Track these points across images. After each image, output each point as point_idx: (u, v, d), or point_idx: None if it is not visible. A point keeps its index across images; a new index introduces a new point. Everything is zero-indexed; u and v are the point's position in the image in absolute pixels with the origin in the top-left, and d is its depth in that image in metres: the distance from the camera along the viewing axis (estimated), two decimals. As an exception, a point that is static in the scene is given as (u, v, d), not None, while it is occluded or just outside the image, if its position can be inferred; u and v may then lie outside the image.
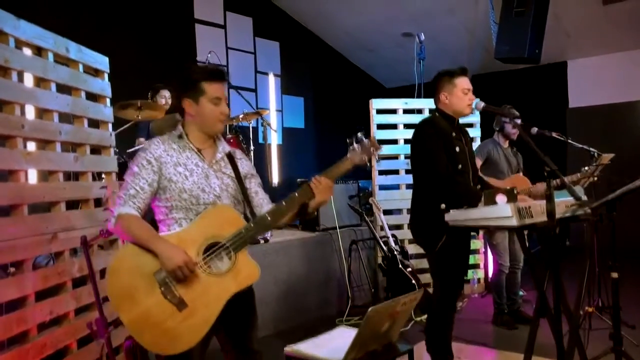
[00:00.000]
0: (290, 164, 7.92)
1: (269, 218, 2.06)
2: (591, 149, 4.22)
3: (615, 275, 2.46)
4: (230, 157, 2.20)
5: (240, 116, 5.07)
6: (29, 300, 2.33)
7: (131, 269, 1.91)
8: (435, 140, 2.83)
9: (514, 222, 2.08)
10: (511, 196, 2.19)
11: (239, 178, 2.17)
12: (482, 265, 5.47)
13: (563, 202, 2.48)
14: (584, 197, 2.89)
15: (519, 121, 2.98)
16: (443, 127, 2.88)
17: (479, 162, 4.22)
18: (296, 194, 2.10)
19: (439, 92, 2.97)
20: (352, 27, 8.59)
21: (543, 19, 6.04)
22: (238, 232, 2.00)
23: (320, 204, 2.16)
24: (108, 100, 3.15)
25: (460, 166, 2.81)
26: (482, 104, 2.81)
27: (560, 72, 8.45)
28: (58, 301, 2.52)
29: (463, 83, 2.91)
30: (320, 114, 9.12)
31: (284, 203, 2.09)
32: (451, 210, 2.37)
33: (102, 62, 3.10)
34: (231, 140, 4.83)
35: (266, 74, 7.94)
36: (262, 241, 4.15)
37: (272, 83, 6.27)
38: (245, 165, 2.25)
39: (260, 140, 6.13)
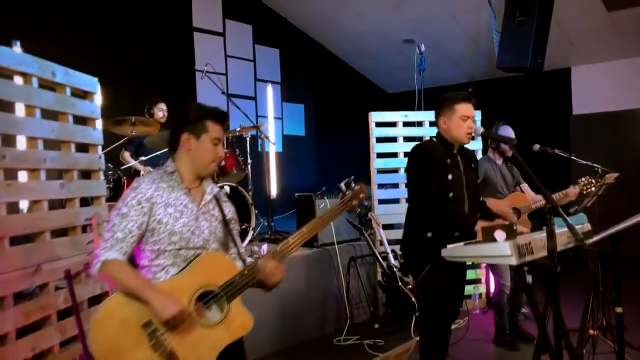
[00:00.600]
0: (291, 173, 7.85)
1: None
2: (595, 165, 4.11)
3: (619, 310, 2.37)
4: (218, 199, 2.12)
5: (237, 130, 4.98)
6: (10, 337, 2.25)
7: (117, 321, 1.80)
8: (425, 166, 2.75)
9: (513, 261, 1.99)
10: (510, 232, 2.10)
11: (225, 221, 2.10)
12: (483, 280, 5.37)
13: (564, 232, 2.38)
14: (587, 224, 2.81)
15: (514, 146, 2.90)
16: (437, 152, 2.79)
17: None
18: (245, 273, 1.98)
19: (439, 117, 2.88)
20: (354, 33, 8.51)
21: (546, 27, 5.93)
22: (231, 280, 1.93)
23: (272, 286, 2.05)
24: (98, 123, 3.07)
25: (451, 194, 2.73)
26: (481, 130, 2.72)
27: (564, 78, 8.35)
28: (41, 336, 2.44)
29: (463, 110, 2.82)
30: (321, 120, 9.05)
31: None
32: (448, 246, 2.28)
33: (90, 83, 3.02)
34: (227, 155, 4.75)
35: (266, 82, 7.88)
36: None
37: (270, 93, 6.18)
38: (230, 210, 2.17)
39: (259, 149, 6.07)
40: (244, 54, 7.93)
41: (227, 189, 4.58)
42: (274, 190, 5.71)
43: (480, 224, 2.58)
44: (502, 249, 2.00)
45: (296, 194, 4.95)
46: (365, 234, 4.80)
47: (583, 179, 3.87)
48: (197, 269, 1.93)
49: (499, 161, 4.29)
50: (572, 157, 4.13)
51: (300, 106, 8.75)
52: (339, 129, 9.04)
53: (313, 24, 8.58)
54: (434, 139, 2.91)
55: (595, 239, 2.21)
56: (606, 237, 2.27)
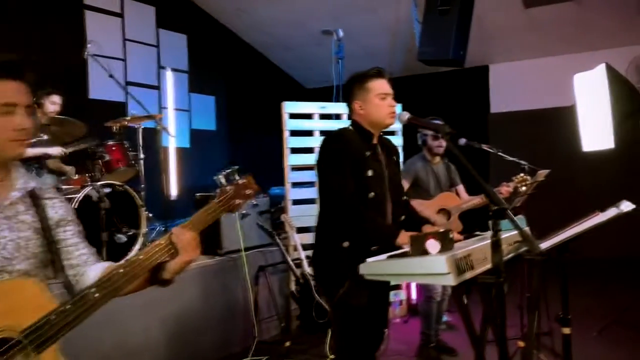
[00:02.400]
0: (199, 170, 7.15)
1: (95, 294, 1.32)
2: (522, 161, 3.84)
3: (567, 331, 1.98)
4: (35, 198, 1.45)
5: (127, 119, 4.26)
6: None
7: None
8: (339, 160, 2.24)
9: (450, 280, 1.52)
10: (446, 241, 1.63)
11: (46, 228, 1.43)
12: (404, 286, 5.00)
13: (505, 239, 1.96)
14: (526, 228, 2.43)
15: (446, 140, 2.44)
16: (354, 143, 2.28)
17: (406, 184, 3.71)
18: (142, 257, 1.40)
19: (352, 101, 2.39)
20: (269, 22, 7.95)
21: (468, 18, 5.69)
22: (43, 320, 1.26)
23: (184, 266, 1.46)
24: None
25: (372, 194, 2.23)
26: (407, 115, 2.24)
27: (482, 76, 8.26)
28: None
29: (378, 86, 2.34)
30: (234, 114, 8.39)
31: (121, 270, 1.36)
32: (368, 260, 1.78)
33: None
34: (113, 148, 4.04)
35: (171, 69, 7.14)
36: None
37: (170, 79, 5.48)
38: (59, 208, 1.50)
39: (165, 143, 5.34)
40: (146, 38, 7.11)
41: (112, 189, 3.87)
42: (174, 190, 5.02)
43: (404, 236, 2.10)
44: (436, 264, 1.53)
45: (196, 194, 4.31)
46: (277, 239, 4.26)
47: (518, 176, 3.55)
48: None
49: (434, 160, 3.92)
50: (499, 153, 3.81)
51: (210, 98, 8.05)
52: (253, 124, 8.44)
53: (225, 10, 7.92)
54: (350, 128, 2.41)
55: (546, 245, 1.81)
56: (554, 245, 1.89)
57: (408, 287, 4.99)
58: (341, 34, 4.94)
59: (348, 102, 2.42)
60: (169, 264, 1.44)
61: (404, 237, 2.13)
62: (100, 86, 6.15)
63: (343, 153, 2.25)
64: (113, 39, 6.66)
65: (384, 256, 1.79)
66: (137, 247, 3.76)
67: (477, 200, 3.83)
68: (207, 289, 3.85)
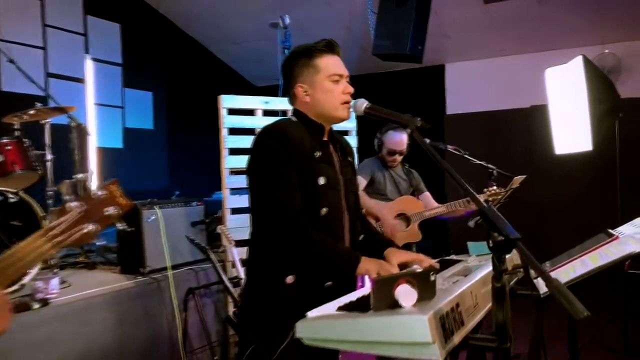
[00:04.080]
0: (134, 174, 6.46)
1: None
2: (490, 165, 3.41)
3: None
4: None
5: (30, 112, 3.55)
6: None
7: None
8: (281, 162, 1.64)
9: (435, 353, 0.97)
10: (425, 288, 1.08)
11: None
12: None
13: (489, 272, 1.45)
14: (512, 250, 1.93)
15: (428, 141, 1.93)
16: (299, 140, 1.69)
17: (363, 182, 3.20)
18: None
19: (294, 85, 1.81)
20: (213, 13, 7.30)
21: (426, 10, 5.26)
22: None
23: None
24: None
25: (324, 210, 1.66)
26: (366, 104, 1.70)
27: (438, 76, 7.88)
28: None
29: (331, 65, 1.78)
30: (175, 112, 7.69)
31: None
32: (309, 314, 1.20)
33: None
34: (8, 147, 3.33)
35: (101, 61, 6.40)
36: (36, 305, 2.71)
37: (90, 68, 4.77)
38: None
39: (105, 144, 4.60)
40: (71, 25, 6.32)
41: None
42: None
43: (366, 264, 1.55)
44: (414, 328, 0.98)
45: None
46: (212, 255, 3.64)
47: (490, 189, 3.13)
48: None
49: (394, 163, 3.44)
50: (466, 156, 3.36)
51: (147, 94, 7.33)
52: (195, 124, 7.75)
53: (164, -1, 7.24)
54: (293, 119, 1.83)
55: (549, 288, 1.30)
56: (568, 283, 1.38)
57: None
58: (287, 20, 4.38)
59: (288, 86, 1.84)
60: None
61: (365, 264, 1.56)
62: (15, 77, 5.35)
63: (285, 153, 1.65)
64: (30, 24, 5.87)
65: (332, 306, 1.21)
66: (34, 270, 3.05)
67: (442, 208, 3.38)
68: (123, 317, 3.18)
